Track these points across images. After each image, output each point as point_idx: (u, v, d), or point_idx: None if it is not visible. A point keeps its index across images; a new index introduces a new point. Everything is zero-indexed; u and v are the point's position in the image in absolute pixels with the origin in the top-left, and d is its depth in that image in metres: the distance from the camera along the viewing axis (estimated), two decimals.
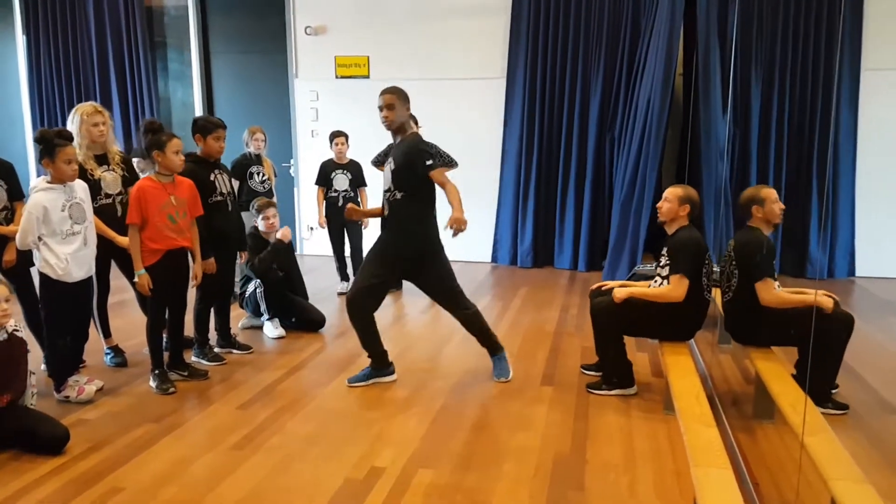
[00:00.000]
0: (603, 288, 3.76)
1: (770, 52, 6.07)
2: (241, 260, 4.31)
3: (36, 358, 3.30)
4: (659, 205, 3.44)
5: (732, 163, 6.14)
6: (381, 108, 3.52)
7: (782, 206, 3.29)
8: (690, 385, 2.89)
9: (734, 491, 2.07)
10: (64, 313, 3.32)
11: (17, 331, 2.93)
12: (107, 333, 3.98)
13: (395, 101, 3.51)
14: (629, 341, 3.62)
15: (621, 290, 3.41)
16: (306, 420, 3.25)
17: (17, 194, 3.51)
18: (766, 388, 2.96)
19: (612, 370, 3.56)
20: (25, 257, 3.42)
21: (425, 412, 3.33)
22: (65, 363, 3.40)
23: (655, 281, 3.49)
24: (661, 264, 3.44)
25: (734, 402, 3.53)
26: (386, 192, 3.57)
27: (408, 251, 3.59)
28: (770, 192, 3.28)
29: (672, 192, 3.41)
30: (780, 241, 3.41)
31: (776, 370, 3.05)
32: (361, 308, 3.59)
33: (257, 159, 5.22)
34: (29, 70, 7.47)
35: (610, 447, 2.96)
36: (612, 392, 3.54)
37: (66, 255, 3.20)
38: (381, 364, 3.70)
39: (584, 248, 6.69)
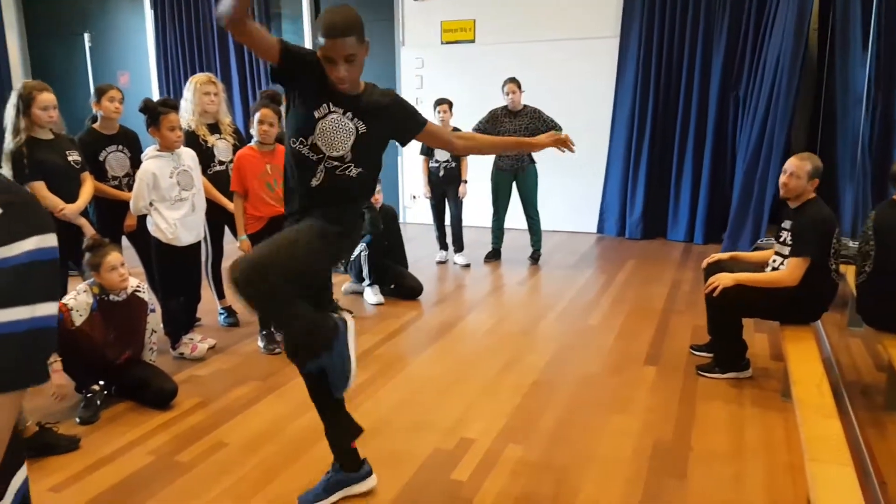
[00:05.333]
0: (714, 261, 3.49)
1: None
2: None
3: (159, 317, 3.52)
4: (783, 181, 3.10)
5: (872, 128, 5.49)
6: (333, 60, 1.99)
7: None
8: (812, 372, 2.62)
9: (854, 490, 1.85)
10: (175, 275, 3.52)
11: (138, 291, 3.13)
12: (221, 294, 4.20)
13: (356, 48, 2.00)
14: (747, 320, 3.34)
15: (727, 276, 3.14)
16: (399, 386, 3.27)
17: (138, 162, 3.73)
18: None
19: (725, 352, 3.31)
20: (146, 223, 3.63)
21: (517, 386, 3.25)
22: (178, 322, 3.62)
23: (774, 260, 3.19)
24: (781, 240, 3.14)
25: (863, 392, 3.19)
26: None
27: None
28: None
29: (799, 167, 3.06)
30: None
31: None
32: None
33: None
34: (157, 44, 7.93)
35: (717, 435, 2.76)
36: (725, 375, 3.30)
37: (175, 220, 3.38)
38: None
39: (702, 218, 6.27)
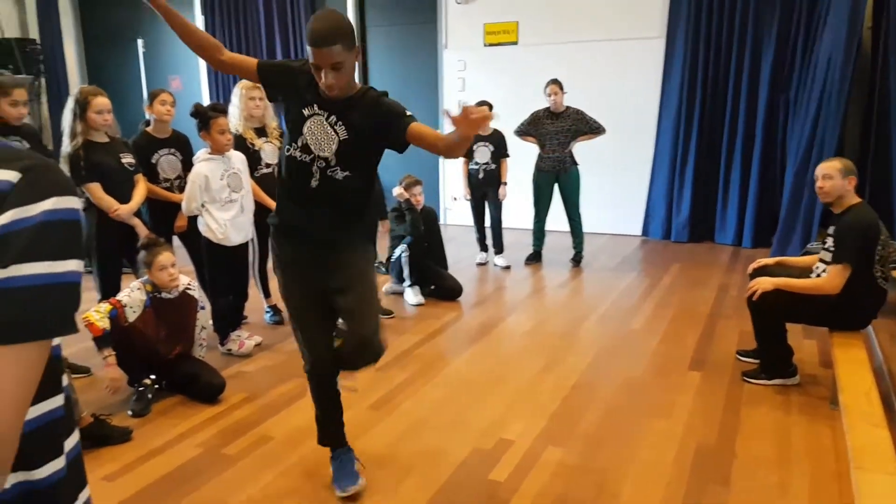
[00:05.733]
0: (760, 266, 3.43)
1: None
2: (382, 229, 4.46)
3: (208, 314, 3.63)
4: (818, 186, 3.04)
5: None
6: (320, 68, 2.02)
7: None
8: (860, 379, 2.55)
9: None
10: (224, 274, 3.63)
11: (189, 289, 3.24)
12: (267, 293, 4.30)
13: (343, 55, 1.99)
14: (796, 326, 3.27)
15: (767, 280, 3.09)
16: (439, 386, 3.30)
17: (189, 165, 3.84)
18: None
19: (771, 357, 3.25)
20: (196, 224, 3.74)
21: (557, 389, 3.25)
22: (226, 320, 3.72)
23: (817, 267, 3.12)
24: (826, 246, 3.07)
25: None
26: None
27: None
28: None
29: (829, 167, 3.01)
30: None
31: None
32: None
33: None
34: None
35: (762, 442, 2.71)
36: (771, 382, 3.23)
37: (226, 221, 3.48)
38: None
39: (751, 221, 6.14)
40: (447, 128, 1.93)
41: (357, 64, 2.10)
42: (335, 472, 2.44)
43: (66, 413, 0.87)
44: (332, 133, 2.13)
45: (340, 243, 2.25)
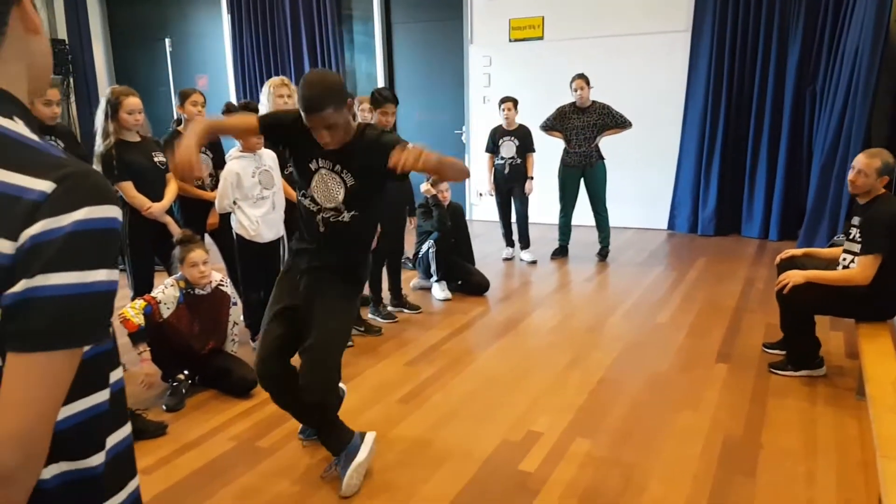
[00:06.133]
0: (788, 257, 3.41)
1: None
2: (410, 225, 4.52)
3: (240, 310, 3.70)
4: (851, 178, 3.03)
5: None
6: (316, 129, 2.18)
7: None
8: (887, 370, 2.54)
9: None
10: (256, 271, 3.69)
11: (222, 285, 3.31)
12: None
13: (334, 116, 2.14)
14: (823, 318, 3.26)
15: (798, 273, 3.07)
16: (467, 380, 3.35)
17: (221, 163, 3.92)
18: None
19: (798, 349, 3.24)
20: (228, 221, 3.83)
21: (584, 383, 3.27)
22: (258, 315, 3.77)
23: (844, 259, 3.10)
24: (851, 237, 3.05)
25: None
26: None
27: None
28: None
29: (867, 164, 2.97)
30: None
31: None
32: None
33: None
34: (233, 48, 8.25)
35: (789, 433, 2.71)
36: (798, 373, 3.23)
37: (257, 218, 3.54)
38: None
39: (777, 214, 6.08)
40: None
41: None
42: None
43: (111, 408, 0.87)
44: (339, 181, 2.28)
45: (336, 283, 2.37)
